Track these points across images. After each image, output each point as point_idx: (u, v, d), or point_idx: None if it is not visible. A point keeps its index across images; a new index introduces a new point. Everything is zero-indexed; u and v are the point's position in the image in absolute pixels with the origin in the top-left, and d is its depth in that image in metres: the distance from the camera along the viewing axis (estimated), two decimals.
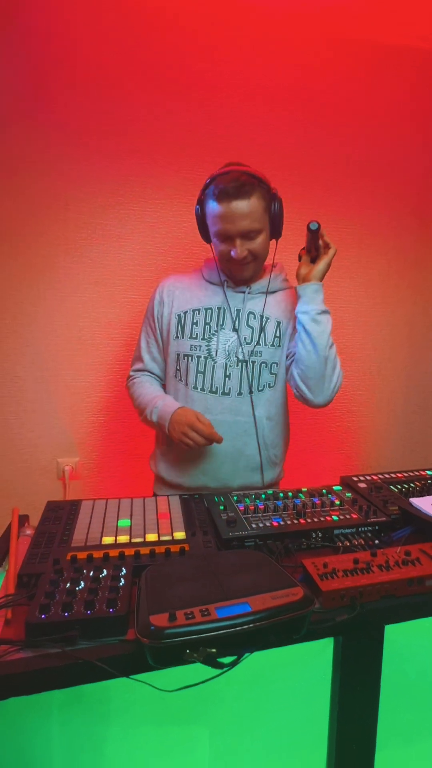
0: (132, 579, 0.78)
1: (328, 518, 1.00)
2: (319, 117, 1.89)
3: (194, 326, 1.28)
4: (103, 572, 0.78)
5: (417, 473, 1.28)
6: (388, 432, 2.20)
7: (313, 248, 1.22)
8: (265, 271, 1.32)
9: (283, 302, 1.32)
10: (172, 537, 0.94)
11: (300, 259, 1.26)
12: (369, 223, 2.01)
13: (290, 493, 1.13)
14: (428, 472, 1.28)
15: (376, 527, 0.99)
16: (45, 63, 1.63)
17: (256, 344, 1.27)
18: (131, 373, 1.41)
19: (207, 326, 1.28)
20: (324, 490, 1.16)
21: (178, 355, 1.29)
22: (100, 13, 1.63)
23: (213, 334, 1.27)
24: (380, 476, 1.26)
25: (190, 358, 1.28)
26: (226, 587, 0.73)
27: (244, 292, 1.28)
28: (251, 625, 0.66)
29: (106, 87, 1.68)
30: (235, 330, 1.27)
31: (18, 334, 1.75)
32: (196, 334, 1.28)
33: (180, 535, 0.95)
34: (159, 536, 0.94)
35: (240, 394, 1.27)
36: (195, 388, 1.27)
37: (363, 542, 0.95)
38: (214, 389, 1.27)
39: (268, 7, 1.75)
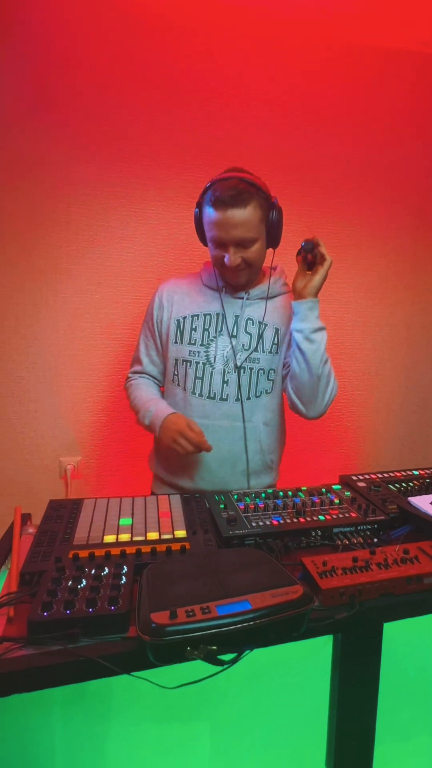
0: (133, 577, 0.79)
1: (328, 517, 1.01)
2: (319, 120, 1.89)
3: (193, 332, 1.28)
4: (104, 570, 0.79)
5: (415, 472, 1.29)
6: (387, 431, 2.21)
7: (310, 256, 1.21)
8: (264, 275, 1.32)
9: (282, 308, 1.31)
10: (173, 535, 0.95)
11: (303, 247, 1.20)
12: (368, 225, 2.02)
13: (290, 492, 1.13)
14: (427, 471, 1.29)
15: (375, 526, 1.00)
16: (46, 66, 1.63)
17: (254, 351, 1.27)
18: (130, 375, 1.41)
19: (206, 332, 1.27)
20: (323, 489, 1.16)
21: (176, 360, 1.29)
22: (101, 16, 1.64)
23: (211, 340, 1.27)
24: (379, 475, 1.26)
25: (188, 363, 1.27)
26: (227, 585, 0.74)
27: (242, 298, 1.28)
28: (251, 623, 0.67)
29: (107, 89, 1.69)
30: (233, 336, 1.27)
31: (21, 335, 1.76)
32: (195, 339, 1.28)
33: (181, 533, 0.96)
34: (160, 535, 0.95)
35: (238, 400, 1.27)
36: (193, 393, 1.27)
37: (362, 541, 0.96)
38: (212, 395, 1.27)
39: (268, 11, 1.75)
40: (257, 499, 1.10)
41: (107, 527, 0.98)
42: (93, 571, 0.79)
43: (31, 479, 1.84)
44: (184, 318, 1.29)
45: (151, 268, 1.82)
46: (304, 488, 1.16)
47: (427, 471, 1.30)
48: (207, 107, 1.78)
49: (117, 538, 0.93)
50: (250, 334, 1.28)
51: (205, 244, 1.25)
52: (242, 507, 1.06)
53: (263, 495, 1.12)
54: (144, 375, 1.38)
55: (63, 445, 1.86)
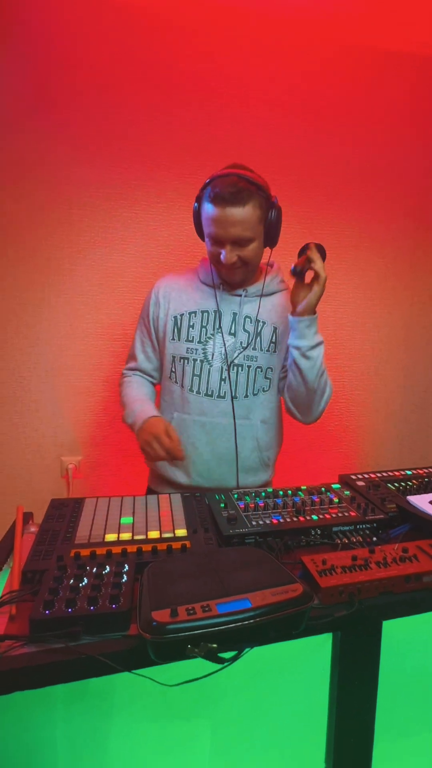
0: (134, 575, 0.79)
1: (327, 516, 1.01)
2: (319, 121, 1.90)
3: (190, 329, 1.28)
4: (106, 569, 0.79)
5: (414, 471, 1.29)
6: (387, 431, 2.22)
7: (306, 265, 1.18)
8: (261, 273, 1.32)
9: (279, 306, 1.31)
10: (174, 534, 0.95)
11: (293, 271, 1.19)
12: (367, 226, 2.03)
13: (290, 491, 1.14)
14: (425, 470, 1.30)
15: (374, 524, 1.01)
16: (46, 67, 1.64)
17: (252, 349, 1.27)
18: (124, 372, 1.41)
19: (203, 329, 1.27)
20: (323, 488, 1.17)
21: (173, 357, 1.29)
22: (101, 17, 1.64)
23: (209, 338, 1.27)
24: (378, 474, 1.27)
25: (186, 361, 1.27)
26: (227, 583, 0.74)
27: (240, 296, 1.28)
28: (251, 621, 0.67)
29: (107, 90, 1.70)
30: (231, 334, 1.27)
31: (23, 335, 1.77)
32: (193, 337, 1.27)
33: (181, 532, 0.96)
34: (161, 533, 0.95)
35: (236, 397, 1.27)
36: (191, 390, 1.27)
37: (361, 539, 0.97)
38: (209, 392, 1.27)
39: (268, 12, 1.76)
40: (257, 498, 1.10)
41: (108, 526, 0.98)
42: (94, 569, 0.79)
43: (33, 478, 1.85)
44: (182, 315, 1.28)
45: (152, 269, 1.83)
46: (303, 487, 1.16)
47: (426, 470, 1.30)
48: (207, 108, 1.78)
49: (118, 537, 0.93)
50: (248, 332, 1.28)
51: (203, 240, 1.24)
52: (242, 506, 1.06)
53: (263, 494, 1.13)
54: (139, 371, 1.38)
55: (64, 445, 1.86)
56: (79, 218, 1.75)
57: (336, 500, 1.09)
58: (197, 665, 0.67)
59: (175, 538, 0.93)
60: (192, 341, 1.28)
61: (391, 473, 1.28)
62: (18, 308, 1.75)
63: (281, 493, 1.13)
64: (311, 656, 0.83)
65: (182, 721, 0.78)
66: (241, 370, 1.27)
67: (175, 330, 1.29)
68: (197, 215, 1.22)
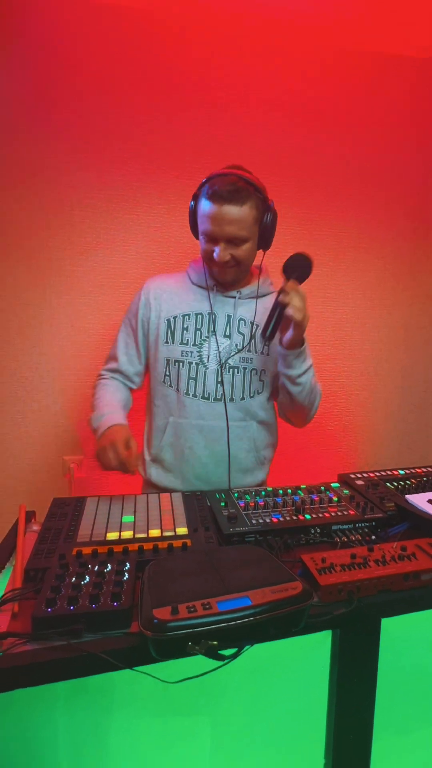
0: (135, 573, 0.80)
1: (327, 514, 1.02)
2: (319, 124, 1.91)
3: (185, 332, 1.26)
4: (107, 567, 0.80)
5: (413, 471, 1.30)
6: (386, 431, 2.23)
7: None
8: (252, 275, 1.31)
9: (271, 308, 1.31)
10: (175, 533, 0.96)
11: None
12: (366, 228, 2.04)
13: (289, 490, 1.15)
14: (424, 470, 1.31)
15: (373, 523, 1.01)
16: (48, 72, 1.65)
17: (247, 351, 1.27)
18: (102, 372, 1.37)
19: (198, 332, 1.26)
20: (322, 487, 1.18)
21: (167, 360, 1.27)
22: (102, 23, 1.65)
23: (204, 340, 1.26)
24: (377, 473, 1.28)
25: (181, 364, 1.26)
26: (227, 581, 0.75)
27: (234, 297, 1.28)
28: (251, 619, 0.68)
29: (108, 94, 1.70)
30: (226, 336, 1.27)
31: (25, 336, 1.78)
32: (187, 339, 1.26)
33: (182, 530, 0.97)
34: (162, 532, 0.96)
35: (232, 399, 1.27)
36: (187, 394, 1.26)
37: (360, 538, 0.97)
38: (206, 395, 1.26)
39: (269, 16, 1.76)
40: (257, 497, 1.11)
41: (110, 524, 0.99)
42: (96, 567, 0.80)
43: (35, 477, 1.85)
44: (175, 318, 1.27)
45: (153, 270, 1.83)
46: (303, 486, 1.17)
47: (425, 469, 1.31)
48: (208, 110, 1.79)
49: (120, 536, 0.94)
50: (243, 334, 1.28)
51: (197, 238, 1.24)
52: (242, 505, 1.07)
53: (263, 493, 1.13)
54: (119, 374, 1.34)
55: (66, 444, 1.87)
56: (81, 220, 1.75)
57: (335, 499, 1.10)
58: (198, 662, 0.68)
59: (176, 537, 0.94)
60: (187, 344, 1.26)
61: (389, 472, 1.29)
62: (19, 309, 1.76)
63: (281, 492, 1.14)
64: (311, 653, 0.83)
65: (183, 717, 0.78)
66: (237, 372, 1.27)
67: (169, 333, 1.27)
68: (193, 213, 1.21)
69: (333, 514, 1.03)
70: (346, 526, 1.00)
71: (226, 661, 0.68)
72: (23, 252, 1.73)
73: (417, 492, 1.15)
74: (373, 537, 0.98)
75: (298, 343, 1.16)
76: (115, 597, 0.72)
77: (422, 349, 2.22)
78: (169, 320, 1.27)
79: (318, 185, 1.95)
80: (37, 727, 0.73)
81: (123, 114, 1.73)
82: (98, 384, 1.35)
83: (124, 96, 1.72)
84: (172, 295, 1.29)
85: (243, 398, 1.28)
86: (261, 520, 0.99)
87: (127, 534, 0.95)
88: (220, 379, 1.25)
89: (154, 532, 0.96)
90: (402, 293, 2.14)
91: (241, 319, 1.28)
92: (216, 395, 1.26)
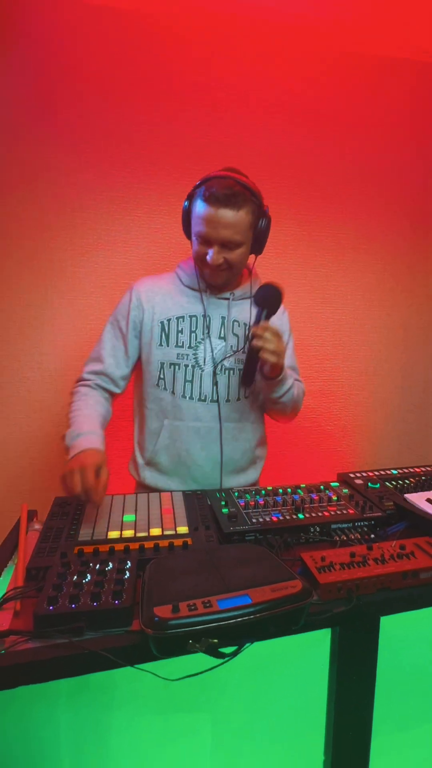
0: (137, 572, 0.80)
1: (326, 513, 1.03)
2: (319, 125, 1.91)
3: (180, 334, 1.25)
4: (108, 565, 0.80)
5: (411, 470, 1.31)
6: (385, 430, 2.23)
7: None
8: (244, 277, 1.31)
9: None
10: (176, 531, 0.96)
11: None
12: (366, 229, 2.04)
13: (289, 489, 1.15)
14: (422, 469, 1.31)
15: (372, 522, 1.02)
16: (49, 75, 1.65)
17: (243, 352, 1.26)
18: (84, 376, 1.29)
19: (193, 334, 1.25)
20: (322, 486, 1.18)
21: (162, 363, 1.25)
22: (103, 26, 1.66)
23: (199, 342, 1.25)
24: (376, 473, 1.28)
25: (176, 366, 1.24)
26: (228, 580, 0.75)
27: (228, 299, 1.27)
28: (251, 617, 0.68)
29: (109, 97, 1.70)
30: (221, 338, 1.26)
31: (26, 336, 1.78)
32: (183, 342, 1.25)
33: (183, 529, 0.97)
34: (163, 531, 0.97)
35: (229, 401, 1.27)
36: (183, 396, 1.25)
37: (359, 536, 0.98)
38: (203, 397, 1.25)
39: (269, 19, 1.77)
40: (257, 496, 1.12)
41: (111, 523, 0.99)
42: (97, 566, 0.80)
43: (37, 477, 1.86)
44: (169, 320, 1.25)
45: (153, 272, 1.83)
46: (303, 485, 1.18)
47: (423, 469, 1.32)
48: (208, 112, 1.79)
49: (121, 534, 0.95)
50: (237, 336, 1.28)
51: (189, 238, 1.23)
52: (243, 504, 1.08)
53: (263, 492, 1.14)
54: (103, 377, 1.28)
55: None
56: (82, 221, 1.76)
57: (335, 498, 1.11)
58: (198, 660, 0.69)
59: (177, 536, 0.95)
60: (182, 347, 1.25)
61: (388, 471, 1.30)
62: (21, 309, 1.76)
63: (281, 491, 1.14)
64: (310, 651, 0.84)
65: (183, 714, 0.79)
66: (233, 374, 1.26)
67: (163, 335, 1.25)
68: (187, 213, 1.21)
69: (332, 513, 1.03)
70: (345, 525, 1.01)
71: (226, 658, 0.69)
72: (25, 253, 1.73)
73: (416, 491, 1.15)
74: (372, 536, 0.99)
75: (276, 374, 1.18)
76: (116, 595, 0.73)
77: (421, 350, 2.22)
78: (162, 323, 1.26)
79: (318, 186, 1.96)
80: (39, 725, 0.74)
81: (124, 115, 1.73)
82: (77, 392, 1.27)
83: (125, 97, 1.72)
84: (165, 298, 1.28)
85: (238, 399, 1.28)
86: (261, 519, 1.00)
87: (128, 533, 0.95)
88: (215, 381, 1.25)
89: (155, 531, 0.96)
90: (401, 294, 2.15)
91: (235, 320, 1.28)
92: (212, 397, 1.26)
